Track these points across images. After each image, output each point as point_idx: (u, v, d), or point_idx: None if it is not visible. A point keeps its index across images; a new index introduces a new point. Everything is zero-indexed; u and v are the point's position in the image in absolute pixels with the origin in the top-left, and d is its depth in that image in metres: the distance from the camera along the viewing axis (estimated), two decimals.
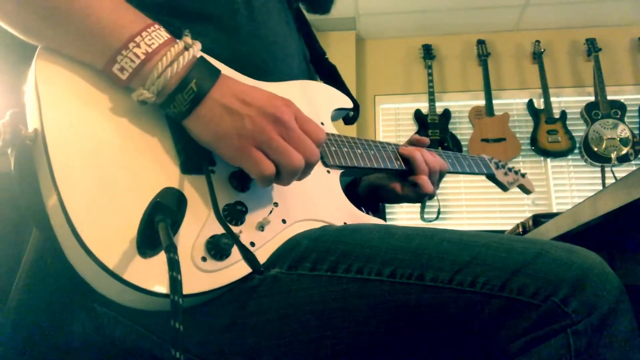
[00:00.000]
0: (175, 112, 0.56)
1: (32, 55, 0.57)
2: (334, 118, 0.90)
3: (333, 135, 0.82)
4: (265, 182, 0.58)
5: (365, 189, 0.99)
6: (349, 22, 3.76)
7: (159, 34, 0.57)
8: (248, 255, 0.53)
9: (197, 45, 0.58)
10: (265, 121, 0.57)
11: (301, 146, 0.58)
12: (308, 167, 0.60)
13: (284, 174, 0.58)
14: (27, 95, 0.57)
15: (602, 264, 0.53)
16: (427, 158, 0.92)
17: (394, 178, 0.95)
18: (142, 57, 0.55)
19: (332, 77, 0.98)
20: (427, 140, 0.99)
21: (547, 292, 0.50)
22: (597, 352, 0.48)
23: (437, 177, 0.94)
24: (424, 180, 0.90)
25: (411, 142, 0.98)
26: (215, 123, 0.56)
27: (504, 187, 1.19)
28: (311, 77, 0.94)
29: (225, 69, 0.68)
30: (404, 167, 0.90)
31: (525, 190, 1.25)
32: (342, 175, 0.79)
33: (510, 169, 1.20)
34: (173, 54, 0.55)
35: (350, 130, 0.92)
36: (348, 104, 0.92)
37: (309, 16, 1.03)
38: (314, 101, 0.84)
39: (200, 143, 0.58)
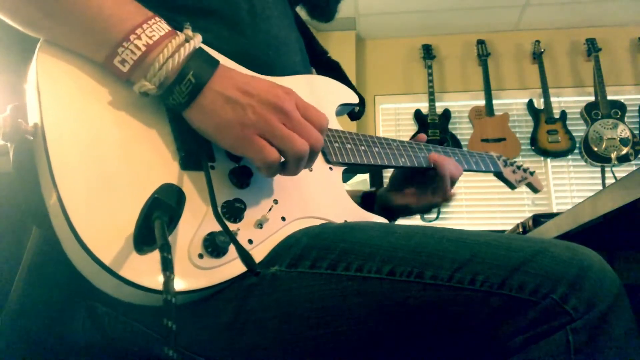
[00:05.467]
0: (174, 103, 0.56)
1: (32, 56, 0.56)
2: (339, 113, 0.89)
3: (337, 131, 0.82)
4: (270, 170, 0.58)
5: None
6: (349, 22, 3.76)
7: (159, 26, 0.56)
8: (244, 255, 0.53)
9: (198, 38, 0.58)
10: (267, 110, 0.56)
11: (304, 133, 0.58)
12: (312, 155, 0.60)
13: (290, 162, 0.58)
14: (28, 90, 0.57)
15: (601, 262, 0.53)
16: (452, 166, 0.94)
17: (403, 187, 0.95)
18: (143, 49, 0.54)
19: (335, 74, 0.97)
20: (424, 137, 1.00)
21: (546, 289, 0.50)
22: (596, 349, 0.48)
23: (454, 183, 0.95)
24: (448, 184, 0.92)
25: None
26: (217, 113, 0.56)
27: (511, 185, 1.17)
28: (311, 73, 0.94)
29: (228, 62, 0.68)
30: (409, 165, 0.90)
31: (534, 188, 1.23)
32: (345, 172, 0.79)
33: (519, 167, 1.18)
34: (174, 45, 0.55)
35: (350, 130, 0.92)
36: (354, 99, 0.91)
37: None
38: (318, 96, 0.83)
39: (202, 134, 0.58)
